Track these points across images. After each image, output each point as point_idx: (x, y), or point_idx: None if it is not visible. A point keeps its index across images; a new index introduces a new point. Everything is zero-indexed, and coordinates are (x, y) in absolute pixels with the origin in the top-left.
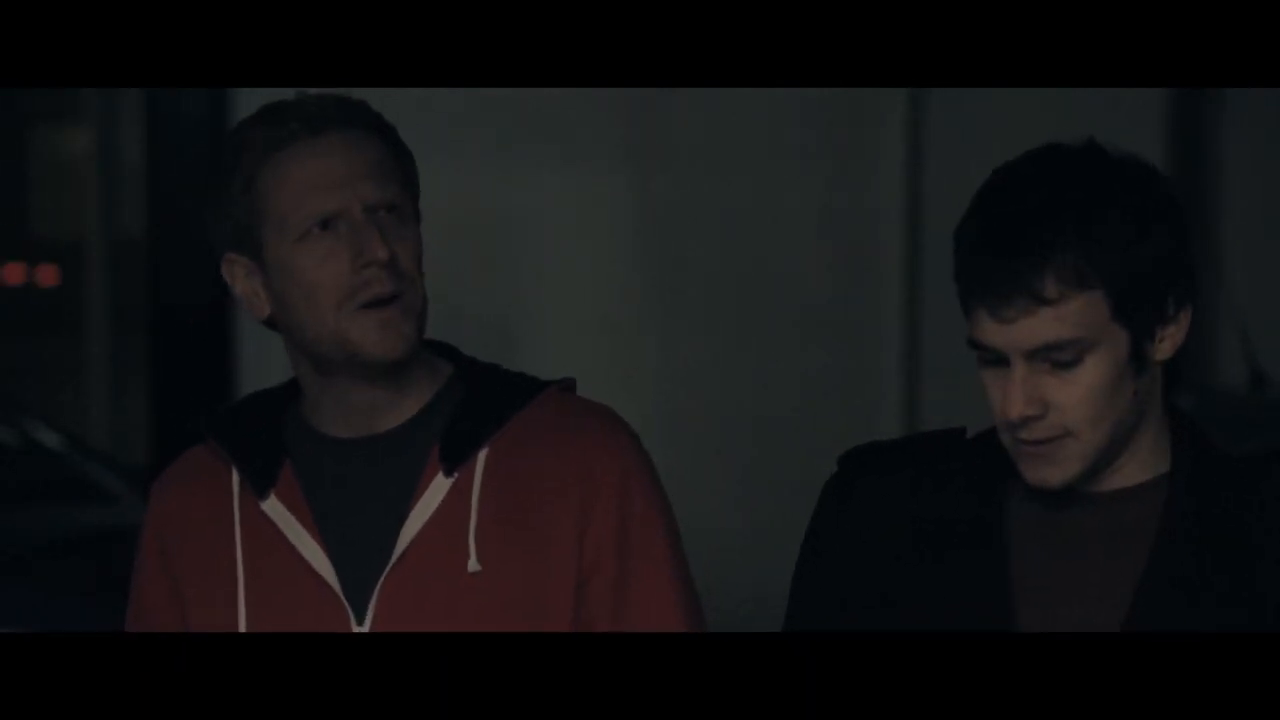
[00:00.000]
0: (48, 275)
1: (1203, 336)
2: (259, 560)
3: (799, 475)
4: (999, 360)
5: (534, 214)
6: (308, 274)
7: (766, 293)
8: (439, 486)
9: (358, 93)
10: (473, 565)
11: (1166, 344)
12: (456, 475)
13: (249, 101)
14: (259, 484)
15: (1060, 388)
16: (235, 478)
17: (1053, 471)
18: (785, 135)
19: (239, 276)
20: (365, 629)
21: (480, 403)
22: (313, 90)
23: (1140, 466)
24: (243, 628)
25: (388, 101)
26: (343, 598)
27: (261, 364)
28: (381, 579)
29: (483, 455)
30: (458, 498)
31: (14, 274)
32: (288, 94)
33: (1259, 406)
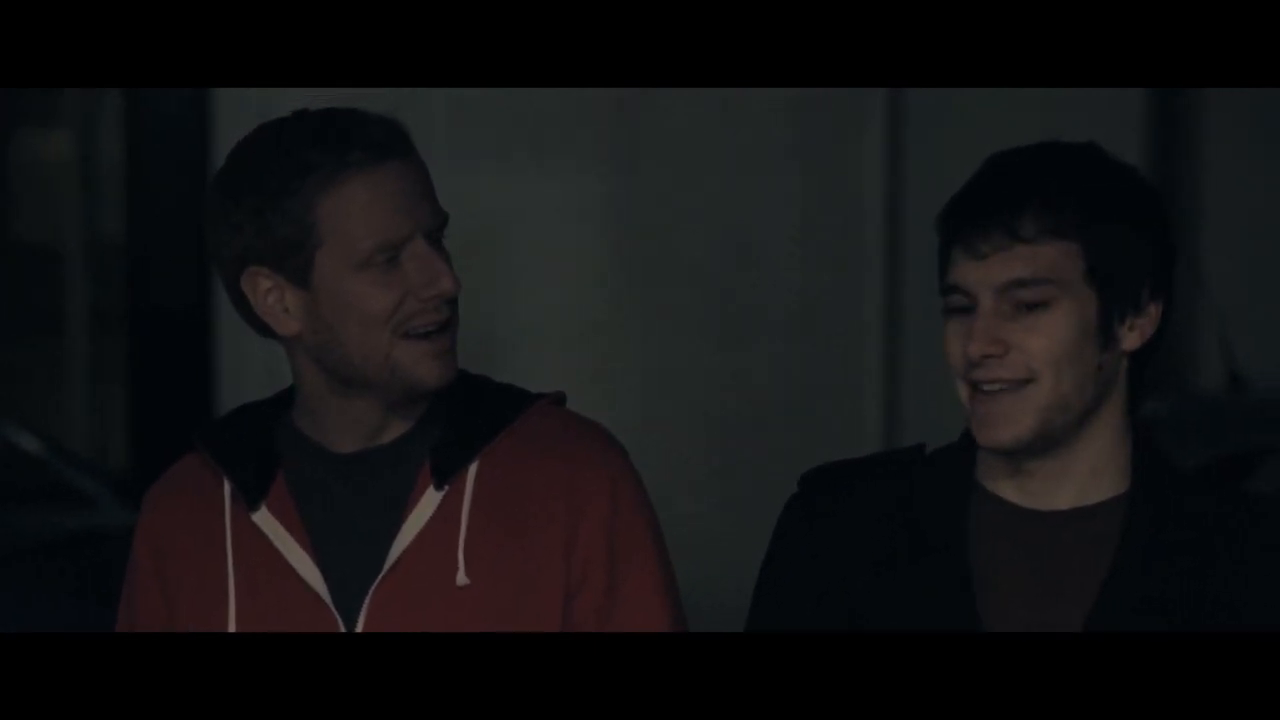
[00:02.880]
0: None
1: (1182, 339)
2: (249, 571)
3: (780, 476)
4: (966, 309)
5: (515, 215)
6: (369, 301)
7: (748, 293)
8: (430, 499)
9: (345, 93)
10: (461, 579)
11: (1135, 334)
12: (447, 488)
13: (229, 101)
14: (250, 495)
15: (1024, 333)
16: (227, 488)
17: (1005, 430)
18: (767, 135)
19: (262, 290)
20: None
21: (471, 416)
22: (321, 102)
23: (1100, 484)
24: None
25: (370, 103)
26: (333, 609)
27: (240, 367)
28: (371, 591)
29: (473, 469)
30: (448, 511)
31: None
32: (272, 95)
33: (1236, 408)
